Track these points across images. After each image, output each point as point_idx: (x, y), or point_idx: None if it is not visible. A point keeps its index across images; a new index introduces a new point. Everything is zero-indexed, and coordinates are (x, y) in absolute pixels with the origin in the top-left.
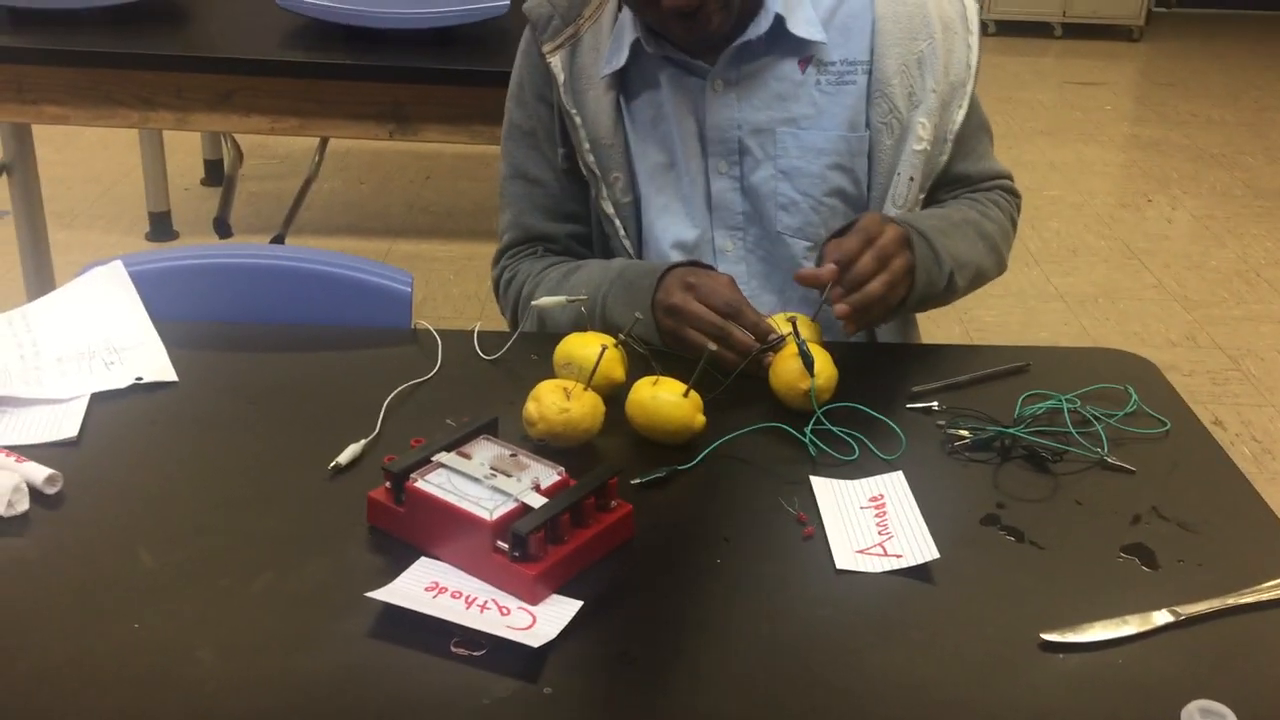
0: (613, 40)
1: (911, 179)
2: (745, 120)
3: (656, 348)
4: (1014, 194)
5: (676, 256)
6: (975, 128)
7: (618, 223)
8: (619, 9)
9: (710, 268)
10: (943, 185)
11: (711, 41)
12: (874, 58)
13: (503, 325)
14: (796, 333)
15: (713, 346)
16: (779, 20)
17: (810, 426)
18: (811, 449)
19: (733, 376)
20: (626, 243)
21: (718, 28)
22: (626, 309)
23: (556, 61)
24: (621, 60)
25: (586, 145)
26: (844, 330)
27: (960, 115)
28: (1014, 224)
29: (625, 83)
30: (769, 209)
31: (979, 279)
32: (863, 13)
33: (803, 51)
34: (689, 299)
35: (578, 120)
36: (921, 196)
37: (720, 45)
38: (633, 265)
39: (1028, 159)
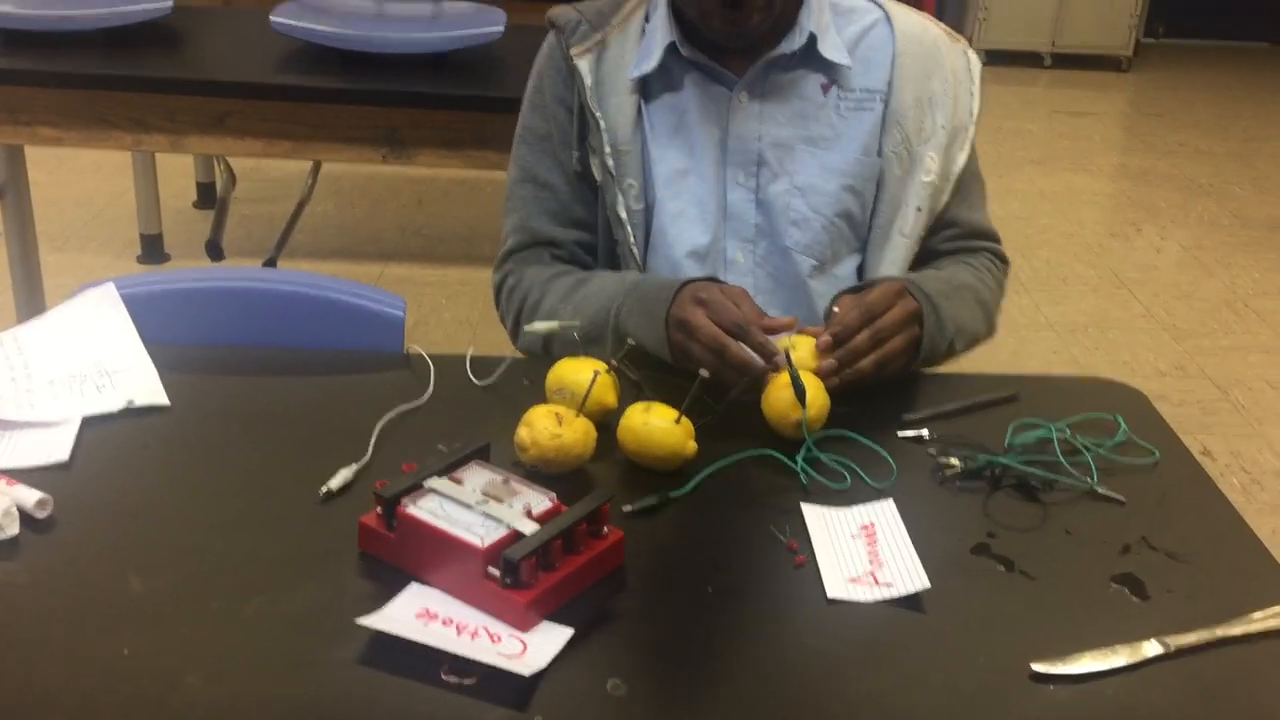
0: (643, 45)
1: (919, 209)
2: (767, 133)
3: (648, 374)
4: (1004, 260)
5: (688, 263)
6: (972, 176)
7: (628, 229)
8: (646, 19)
9: (723, 284)
10: (938, 228)
11: (748, 41)
12: (891, 89)
13: (495, 351)
14: (790, 362)
15: (705, 373)
16: (812, 39)
17: (802, 455)
18: (803, 477)
19: (725, 403)
20: (635, 250)
21: (757, 25)
22: (641, 320)
23: (584, 65)
24: (653, 63)
25: (608, 149)
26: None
27: (962, 158)
28: (1003, 290)
29: (649, 90)
30: (781, 224)
31: (973, 343)
32: (884, 46)
33: (828, 74)
34: (699, 314)
35: (602, 124)
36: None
37: (751, 55)
38: (648, 278)
39: (1018, 188)
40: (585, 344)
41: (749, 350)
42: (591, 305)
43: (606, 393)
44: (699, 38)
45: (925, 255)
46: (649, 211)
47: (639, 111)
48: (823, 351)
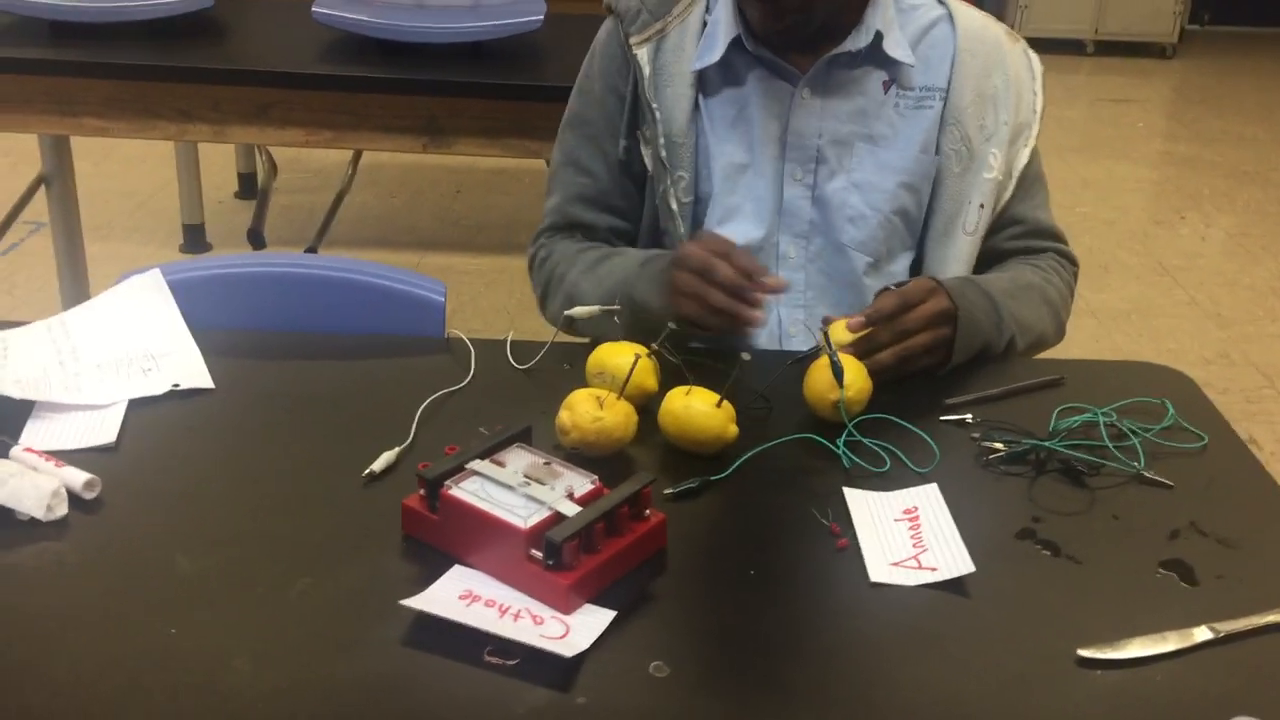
0: (706, 37)
1: (982, 205)
2: (827, 130)
3: (689, 357)
4: (1072, 261)
5: None
6: (1035, 175)
7: (679, 220)
8: (707, 10)
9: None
10: (1001, 226)
11: (799, 40)
12: (951, 87)
13: (535, 337)
14: (828, 342)
15: (689, 309)
16: (878, 37)
17: (843, 438)
18: (845, 460)
19: (768, 384)
20: (683, 242)
21: (799, 8)
22: (651, 286)
23: (643, 54)
24: (716, 55)
25: (661, 140)
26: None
27: (1026, 154)
28: (1072, 292)
29: (708, 83)
30: (837, 220)
31: (1039, 344)
32: (944, 43)
33: (889, 71)
34: (690, 245)
35: (658, 115)
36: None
37: (816, 52)
38: (666, 253)
39: (1060, 176)
40: (610, 317)
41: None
42: (612, 278)
43: (647, 376)
44: (767, 34)
45: (989, 254)
46: (699, 205)
47: (696, 104)
48: (852, 331)
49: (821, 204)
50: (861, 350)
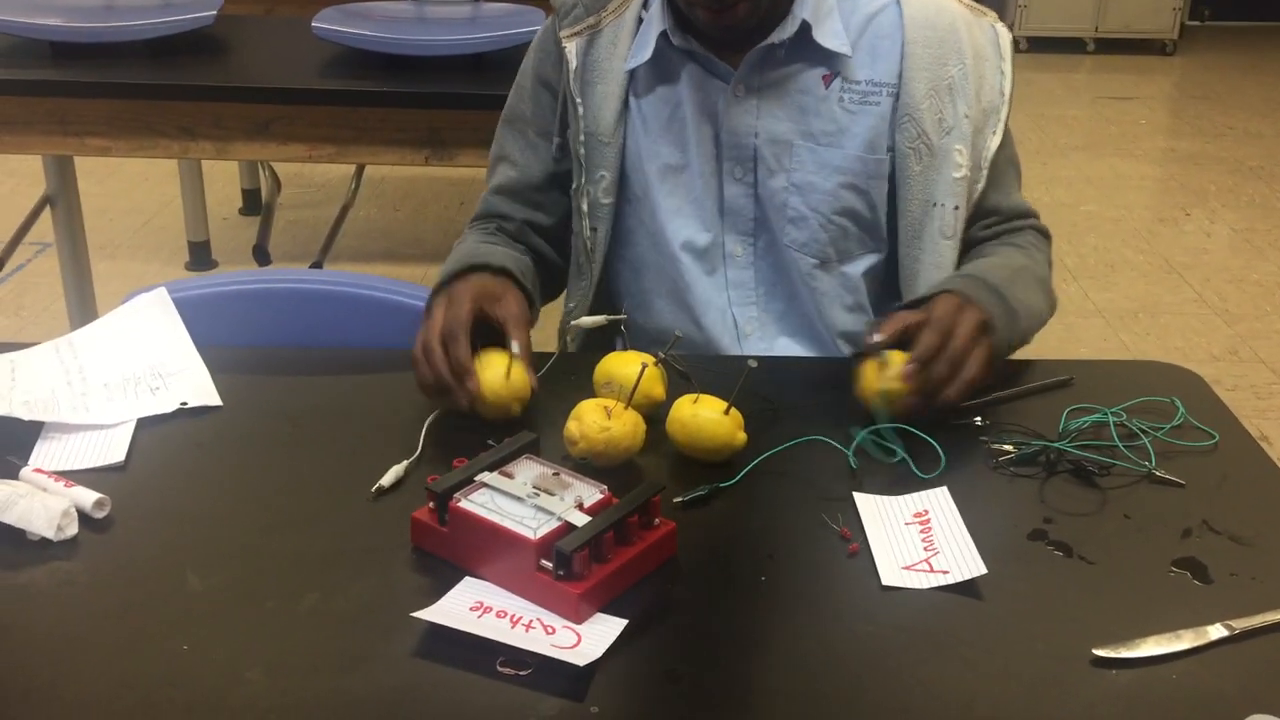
0: (639, 35)
1: (956, 208)
2: (763, 129)
3: (696, 365)
4: (1046, 235)
5: (686, 258)
6: (1007, 160)
7: (586, 221)
8: (645, 6)
9: (515, 288)
10: (976, 218)
11: (737, 36)
12: (902, 81)
13: (541, 348)
14: (871, 336)
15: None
16: (805, 27)
17: (858, 437)
18: (852, 460)
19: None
20: (589, 241)
21: (743, 17)
22: (441, 271)
23: (571, 48)
24: (646, 54)
25: (582, 137)
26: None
27: (995, 142)
28: (1051, 265)
29: (640, 82)
30: (778, 220)
31: (1040, 324)
32: (892, 33)
33: (828, 65)
34: (441, 305)
35: (580, 110)
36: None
37: (744, 46)
38: (484, 246)
39: (1063, 174)
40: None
41: (444, 364)
42: (452, 256)
43: (654, 385)
44: (694, 27)
45: (965, 245)
46: (627, 206)
47: (625, 104)
48: (907, 379)
49: (763, 203)
50: (925, 395)
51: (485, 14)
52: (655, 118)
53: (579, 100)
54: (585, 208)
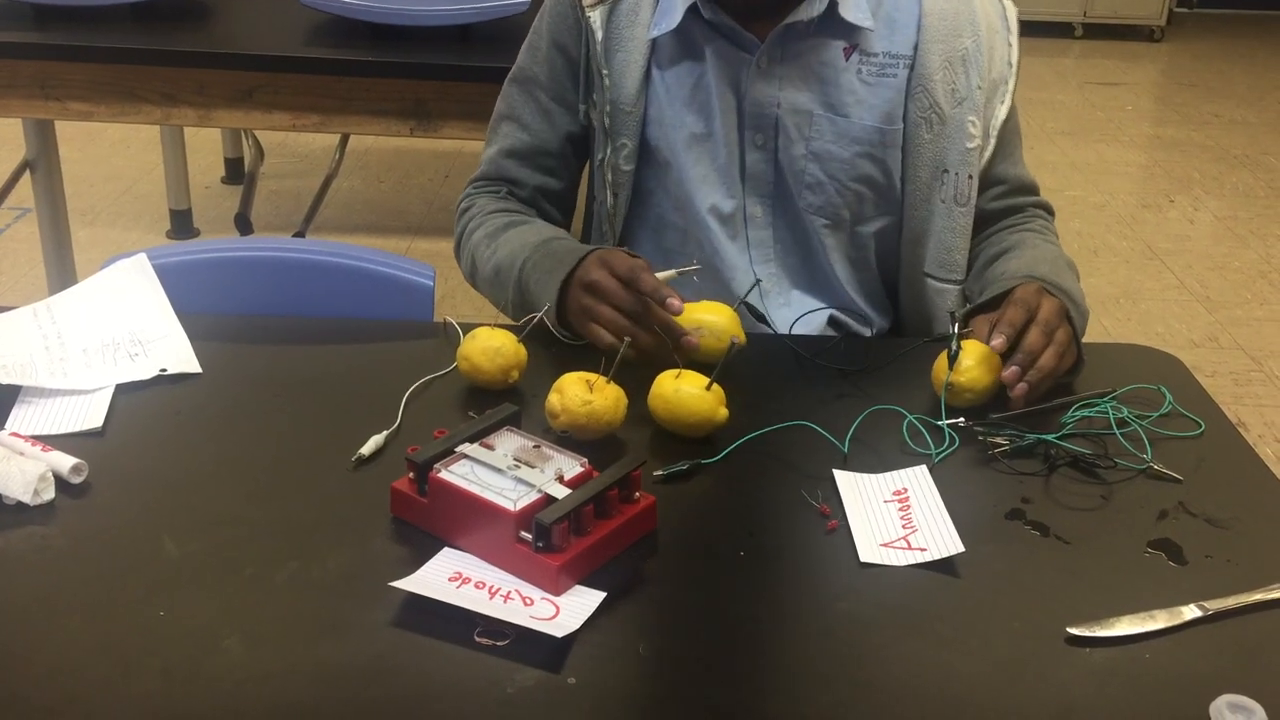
0: (663, 3)
1: (971, 177)
2: (785, 99)
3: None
4: (1050, 211)
5: (712, 223)
6: (1013, 129)
7: (608, 190)
8: None
9: (631, 253)
10: (984, 187)
11: (765, 6)
12: (917, 53)
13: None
14: (953, 320)
15: (609, 339)
16: (832, 4)
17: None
18: (844, 447)
19: (613, 367)
20: (612, 209)
21: None
22: (543, 277)
23: (596, 17)
24: (674, 23)
25: (608, 107)
26: (1014, 404)
27: (1003, 111)
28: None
29: (662, 52)
30: (795, 186)
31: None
32: (909, 6)
33: (850, 38)
34: (606, 275)
35: (607, 81)
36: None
37: (770, 18)
38: (562, 239)
39: (1049, 160)
40: (488, 285)
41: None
42: (505, 249)
43: (736, 327)
44: (722, 1)
45: (976, 217)
46: (648, 171)
47: (647, 73)
48: (999, 352)
49: (781, 170)
50: (1023, 365)
51: None
52: (679, 87)
53: (605, 71)
54: (610, 177)
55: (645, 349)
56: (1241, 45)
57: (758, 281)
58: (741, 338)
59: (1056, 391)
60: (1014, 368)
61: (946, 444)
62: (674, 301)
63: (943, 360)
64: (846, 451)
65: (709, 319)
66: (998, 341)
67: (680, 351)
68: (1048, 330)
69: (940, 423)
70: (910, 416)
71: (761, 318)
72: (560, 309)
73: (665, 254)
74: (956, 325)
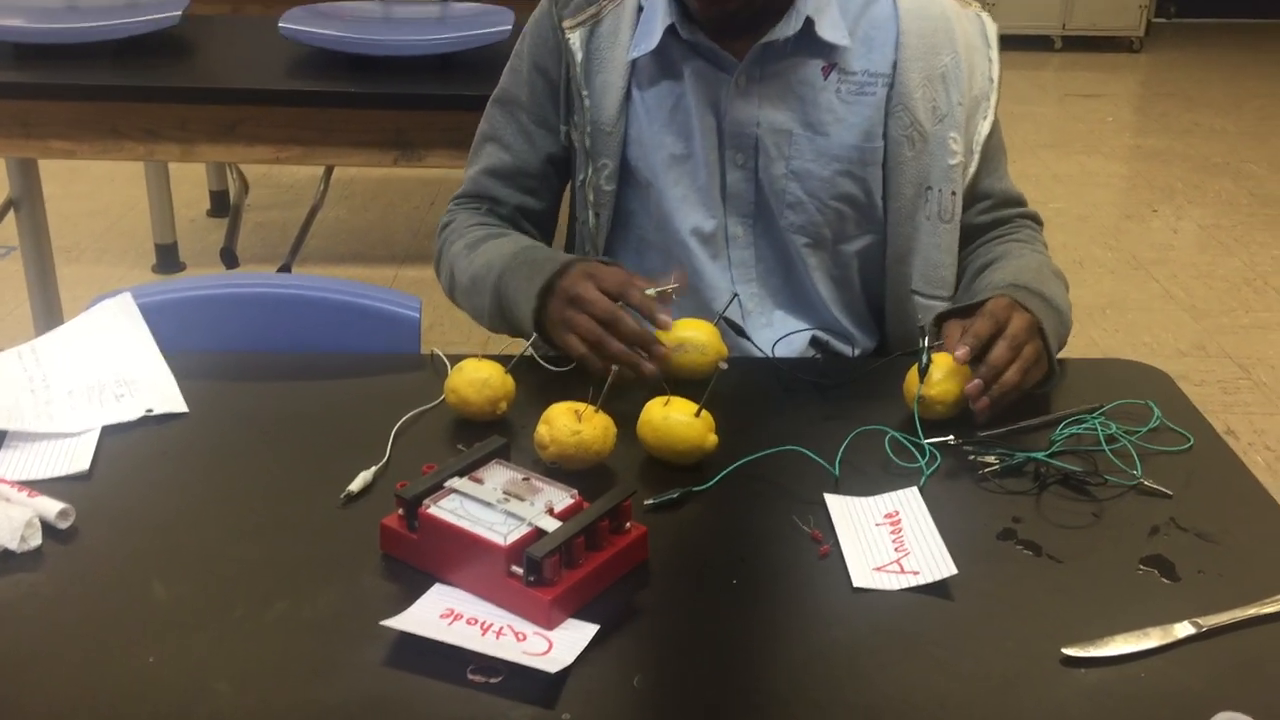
0: (642, 25)
1: (954, 193)
2: (764, 119)
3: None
4: (1039, 221)
5: (694, 244)
6: (996, 144)
7: (589, 210)
8: None
9: (610, 262)
10: (970, 202)
11: (735, 24)
12: (896, 71)
13: (512, 350)
14: (924, 337)
15: (583, 350)
16: (809, 23)
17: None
18: (835, 470)
19: (606, 389)
20: (594, 229)
21: (737, 8)
22: (522, 285)
23: (575, 39)
24: (652, 44)
25: (588, 128)
26: (978, 416)
27: (985, 126)
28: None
29: (642, 72)
30: (776, 205)
31: (1071, 317)
32: (887, 24)
33: (827, 56)
34: (590, 287)
35: (587, 102)
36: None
37: (747, 37)
38: (541, 249)
39: (1031, 172)
40: (465, 296)
41: (635, 333)
42: (483, 258)
43: (718, 341)
44: (699, 20)
45: (963, 231)
46: (629, 191)
47: (627, 93)
48: (962, 364)
49: (762, 189)
50: (986, 379)
51: (453, 14)
52: (659, 108)
53: (585, 92)
54: (592, 198)
55: (615, 359)
56: (1219, 54)
57: (735, 296)
58: (724, 353)
59: (1043, 408)
60: (978, 381)
61: (927, 460)
62: (664, 318)
63: (914, 374)
64: (838, 475)
65: (691, 335)
66: (960, 352)
67: (656, 362)
68: (1014, 345)
69: (924, 441)
70: (892, 432)
71: (741, 331)
72: (539, 316)
73: (647, 274)
74: (926, 339)
